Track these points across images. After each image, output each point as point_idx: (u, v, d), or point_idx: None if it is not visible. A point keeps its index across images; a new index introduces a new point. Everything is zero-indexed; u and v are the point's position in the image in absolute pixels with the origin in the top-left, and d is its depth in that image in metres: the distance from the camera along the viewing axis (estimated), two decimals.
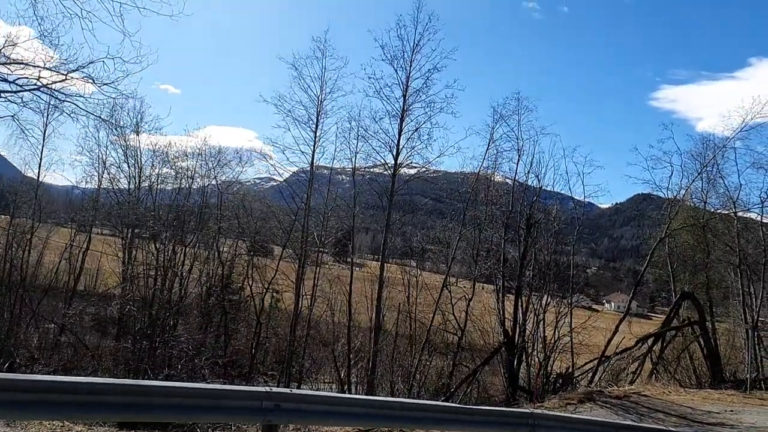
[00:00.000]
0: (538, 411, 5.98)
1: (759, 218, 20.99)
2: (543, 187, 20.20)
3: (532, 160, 19.13)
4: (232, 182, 25.90)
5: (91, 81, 8.47)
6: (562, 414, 6.88)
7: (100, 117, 9.27)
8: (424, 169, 19.25)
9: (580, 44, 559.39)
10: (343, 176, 23.52)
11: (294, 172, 22.06)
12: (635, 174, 35.19)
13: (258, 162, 24.17)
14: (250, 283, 21.30)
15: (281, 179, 21.72)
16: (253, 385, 4.27)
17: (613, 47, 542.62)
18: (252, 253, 25.29)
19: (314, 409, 4.51)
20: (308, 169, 18.96)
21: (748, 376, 16.69)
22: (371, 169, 21.62)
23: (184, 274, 20.04)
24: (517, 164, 19.13)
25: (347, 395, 5.59)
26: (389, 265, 21.50)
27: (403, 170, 18.69)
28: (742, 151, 20.35)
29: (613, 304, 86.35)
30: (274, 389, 4.31)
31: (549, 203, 21.47)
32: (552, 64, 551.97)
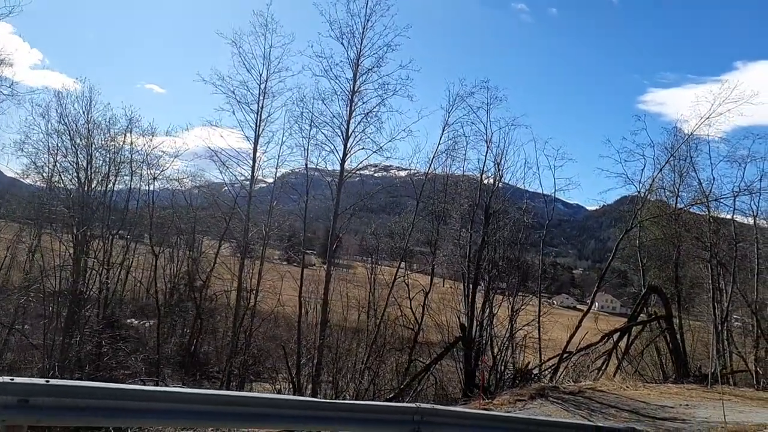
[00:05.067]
0: (426, 405, 5.10)
1: (730, 215, 20.61)
2: (524, 187, 19.58)
3: (503, 152, 18.38)
4: (213, 184, 24.45)
5: None
6: (453, 409, 6.01)
7: None
8: (376, 157, 18.23)
9: (569, 46, 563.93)
10: (331, 178, 22.21)
11: (284, 174, 20.95)
12: (608, 167, 34.53)
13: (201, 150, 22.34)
14: (192, 280, 20.15)
15: (269, 181, 20.66)
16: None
17: (602, 49, 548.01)
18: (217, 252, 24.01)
19: (94, 405, 3.46)
20: (299, 169, 17.89)
21: (710, 370, 16.16)
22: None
23: (107, 268, 18.70)
24: (486, 155, 18.37)
25: (148, 387, 4.63)
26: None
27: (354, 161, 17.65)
28: (715, 144, 19.74)
29: (597, 303, 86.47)
30: (19, 379, 3.31)
31: (532, 203, 20.81)
32: (540, 66, 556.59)
